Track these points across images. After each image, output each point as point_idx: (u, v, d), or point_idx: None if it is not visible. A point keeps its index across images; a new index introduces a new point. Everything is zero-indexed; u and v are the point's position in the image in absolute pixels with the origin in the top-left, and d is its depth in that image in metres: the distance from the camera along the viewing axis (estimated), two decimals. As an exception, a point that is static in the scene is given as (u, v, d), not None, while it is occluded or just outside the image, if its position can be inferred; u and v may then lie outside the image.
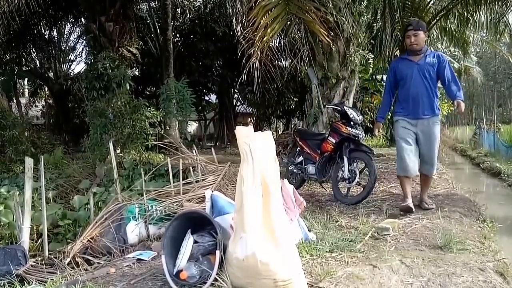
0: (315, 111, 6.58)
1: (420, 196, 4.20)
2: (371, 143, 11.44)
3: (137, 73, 14.54)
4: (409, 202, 3.85)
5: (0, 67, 15.63)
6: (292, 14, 5.39)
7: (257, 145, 2.11)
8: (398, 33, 7.68)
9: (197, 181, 4.89)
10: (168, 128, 11.38)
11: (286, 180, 3.27)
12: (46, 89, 17.76)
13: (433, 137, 3.95)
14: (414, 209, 3.83)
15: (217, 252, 2.16)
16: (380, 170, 4.92)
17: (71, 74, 17.28)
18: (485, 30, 9.53)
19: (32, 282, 2.91)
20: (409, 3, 7.71)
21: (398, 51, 7.88)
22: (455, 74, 4.12)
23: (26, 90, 21.74)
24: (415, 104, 3.93)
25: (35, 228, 4.24)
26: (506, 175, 10.41)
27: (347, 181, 4.52)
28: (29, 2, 6.41)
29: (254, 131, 2.16)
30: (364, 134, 4.94)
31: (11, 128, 9.72)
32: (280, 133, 15.60)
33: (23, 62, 16.41)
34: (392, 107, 4.62)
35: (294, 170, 5.29)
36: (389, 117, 10.63)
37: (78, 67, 32.56)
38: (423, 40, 3.97)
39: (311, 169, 4.96)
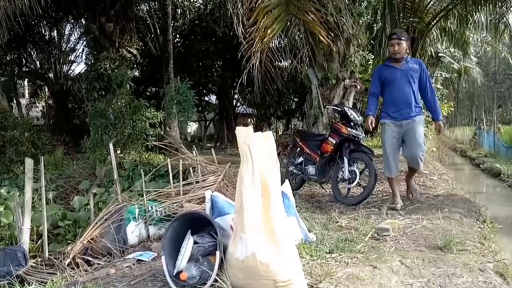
0: (315, 112, 6.58)
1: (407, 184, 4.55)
2: (371, 144, 11.42)
3: (137, 74, 14.55)
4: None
5: (0, 68, 15.65)
6: (292, 15, 5.39)
7: (257, 146, 2.11)
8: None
9: (197, 182, 4.88)
10: (168, 129, 11.37)
11: None
12: (46, 89, 17.77)
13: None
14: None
15: (217, 253, 2.16)
16: (380, 171, 4.91)
17: (72, 74, 17.27)
18: (485, 31, 9.54)
19: (32, 283, 2.90)
20: (409, 4, 7.71)
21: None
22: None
23: (27, 91, 21.78)
24: (401, 106, 4.14)
25: (35, 229, 4.24)
26: (506, 176, 10.41)
27: (347, 182, 4.52)
28: (32, 5, 6.40)
29: (254, 132, 2.16)
30: (364, 135, 4.95)
31: (11, 129, 9.72)
32: (280, 133, 15.57)
33: (23, 63, 16.44)
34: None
35: (294, 171, 5.28)
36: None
37: (79, 68, 32.64)
38: (405, 49, 4.17)
39: (311, 169, 4.96)
